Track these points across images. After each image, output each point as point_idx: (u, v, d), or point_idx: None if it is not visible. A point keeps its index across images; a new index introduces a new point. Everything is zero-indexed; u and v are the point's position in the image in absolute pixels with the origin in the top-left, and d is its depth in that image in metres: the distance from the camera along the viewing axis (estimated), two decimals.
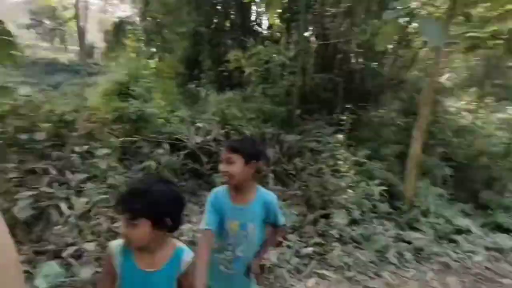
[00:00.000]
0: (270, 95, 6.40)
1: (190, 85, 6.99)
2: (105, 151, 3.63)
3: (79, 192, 3.33)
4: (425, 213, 4.33)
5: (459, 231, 4.12)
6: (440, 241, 3.89)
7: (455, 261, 3.53)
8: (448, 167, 5.34)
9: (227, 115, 5.03)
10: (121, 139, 4.13)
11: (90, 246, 2.63)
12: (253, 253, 1.68)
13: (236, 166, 1.56)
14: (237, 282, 1.67)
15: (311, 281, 2.95)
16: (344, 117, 5.94)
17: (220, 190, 1.69)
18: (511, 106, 13.03)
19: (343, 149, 5.09)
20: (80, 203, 3.12)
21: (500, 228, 4.40)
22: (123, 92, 6.46)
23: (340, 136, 5.51)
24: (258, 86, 6.14)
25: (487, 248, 3.87)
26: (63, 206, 3.10)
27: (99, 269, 2.61)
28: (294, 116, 6.32)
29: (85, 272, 2.43)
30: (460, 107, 11.48)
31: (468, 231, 4.10)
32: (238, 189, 1.64)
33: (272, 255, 3.06)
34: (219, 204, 1.62)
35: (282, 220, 1.74)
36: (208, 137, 4.50)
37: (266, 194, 1.70)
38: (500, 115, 11.60)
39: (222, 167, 1.60)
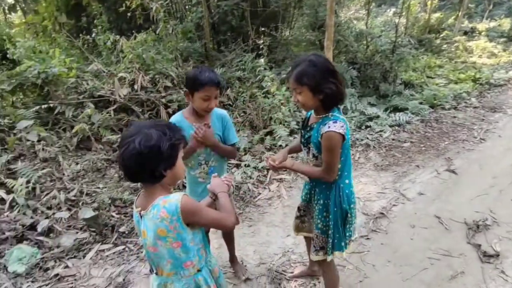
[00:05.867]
0: (182, 31, 6.06)
1: (83, 35, 6.01)
2: (25, 123, 3.16)
3: (12, 174, 2.98)
4: (344, 111, 5.16)
5: (370, 119, 5.09)
6: (359, 129, 4.78)
7: (372, 140, 4.47)
8: (353, 69, 6.21)
9: (145, 60, 4.69)
10: (34, 108, 3.59)
11: (63, 214, 2.53)
12: (224, 161, 1.91)
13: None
14: None
15: (273, 186, 3.45)
16: (261, 41, 6.09)
17: (177, 118, 1.79)
18: (390, 9, 14.82)
19: (268, 72, 5.37)
20: (20, 184, 2.82)
21: (396, 109, 5.55)
22: None
23: (261, 61, 5.73)
24: (166, 23, 5.69)
25: (391, 126, 4.94)
26: (0, 192, 2.77)
27: (79, 236, 2.59)
28: (209, 50, 6.22)
29: (66, 241, 2.38)
30: (350, 15, 12.62)
31: (376, 117, 5.09)
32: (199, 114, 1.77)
33: (236, 175, 3.41)
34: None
35: (235, 137, 1.94)
36: (135, 87, 4.23)
37: (219, 110, 1.89)
38: (381, 19, 13.26)
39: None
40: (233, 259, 2.33)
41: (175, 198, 1.11)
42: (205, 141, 1.71)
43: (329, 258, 1.72)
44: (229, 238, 2.24)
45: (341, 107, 1.64)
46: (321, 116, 1.54)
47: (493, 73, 7.77)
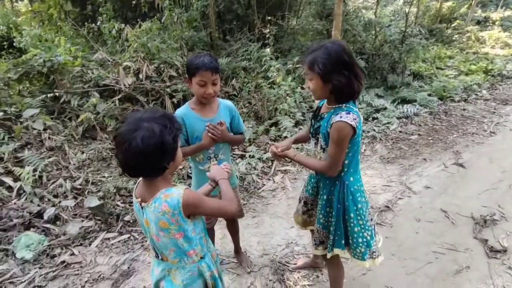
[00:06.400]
0: (187, 20, 5.98)
1: (89, 24, 5.97)
2: (31, 112, 3.18)
3: (19, 162, 3.01)
4: None
5: (377, 110, 5.01)
6: (365, 121, 4.71)
7: (379, 132, 4.41)
8: (361, 59, 6.08)
9: (150, 49, 4.64)
10: (40, 97, 3.60)
11: (69, 203, 2.56)
12: (229, 152, 1.91)
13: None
14: None
15: (277, 177, 3.43)
16: (267, 30, 5.98)
17: (183, 111, 1.74)
18: None
19: (273, 61, 5.29)
20: (27, 172, 2.85)
21: (404, 101, 5.45)
22: (4, 47, 5.32)
23: (267, 50, 5.64)
24: (171, 11, 5.62)
25: (398, 118, 4.87)
26: (8, 180, 2.81)
27: (85, 224, 2.62)
28: (215, 39, 6.15)
29: (72, 229, 2.41)
30: (359, 4, 12.31)
31: (384, 109, 5.01)
32: (204, 103, 1.73)
33: (241, 166, 3.40)
34: (190, 124, 1.70)
35: (243, 126, 1.95)
36: (140, 76, 4.20)
37: (225, 101, 1.87)
38: (390, 8, 12.94)
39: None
40: (238, 250, 2.34)
41: (177, 193, 1.10)
42: (222, 139, 1.73)
43: (329, 255, 1.68)
44: (234, 229, 2.24)
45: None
46: (333, 106, 1.48)
47: (506, 65, 7.57)
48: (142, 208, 1.15)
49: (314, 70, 1.40)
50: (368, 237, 1.59)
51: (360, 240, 1.59)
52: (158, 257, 1.25)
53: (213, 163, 1.42)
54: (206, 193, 1.41)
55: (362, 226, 1.58)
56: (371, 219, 1.66)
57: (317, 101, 1.75)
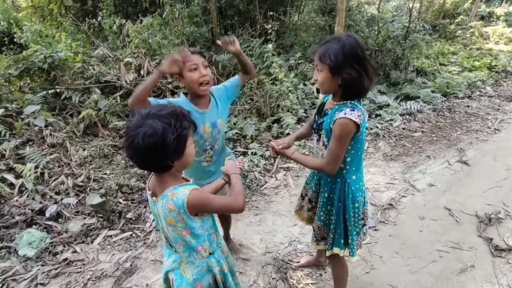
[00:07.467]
0: (189, 16, 5.92)
1: (89, 19, 5.91)
2: (32, 108, 3.16)
3: (21, 159, 2.99)
4: None
5: (380, 107, 4.97)
6: (368, 118, 4.67)
7: (382, 129, 4.37)
8: None
9: (151, 44, 4.60)
10: (41, 93, 3.58)
11: (71, 200, 2.54)
12: (223, 142, 1.91)
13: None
14: (219, 168, 1.74)
15: (280, 175, 3.41)
16: (269, 26, 5.92)
17: (179, 101, 1.69)
18: None
19: (275, 58, 5.24)
20: (28, 169, 2.83)
21: (407, 97, 5.40)
22: (5, 42, 5.29)
23: (269, 46, 5.59)
24: (173, 7, 5.57)
25: (401, 114, 4.83)
26: (10, 177, 2.80)
27: (87, 221, 2.61)
28: (216, 35, 6.09)
29: (74, 226, 2.40)
30: (361, 0, 12.13)
31: (387, 105, 4.97)
32: (197, 96, 1.70)
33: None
34: None
35: (235, 78, 1.89)
36: (141, 72, 4.17)
37: (212, 88, 1.80)
38: (393, 3, 12.78)
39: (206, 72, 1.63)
40: (227, 237, 2.34)
41: (183, 193, 1.09)
42: None
43: (328, 253, 1.68)
44: (226, 223, 2.26)
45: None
46: (338, 102, 1.44)
47: (511, 61, 7.48)
48: (153, 201, 1.17)
49: (324, 61, 1.35)
50: (354, 232, 1.60)
51: (351, 233, 1.60)
52: (172, 247, 1.26)
53: (228, 158, 1.45)
54: (218, 188, 1.43)
55: (354, 224, 1.59)
56: (365, 219, 1.66)
57: (320, 97, 1.73)
